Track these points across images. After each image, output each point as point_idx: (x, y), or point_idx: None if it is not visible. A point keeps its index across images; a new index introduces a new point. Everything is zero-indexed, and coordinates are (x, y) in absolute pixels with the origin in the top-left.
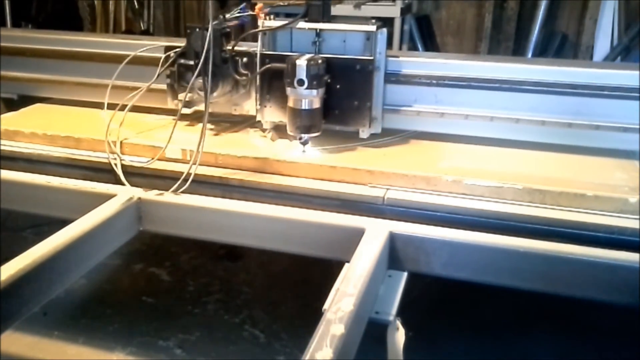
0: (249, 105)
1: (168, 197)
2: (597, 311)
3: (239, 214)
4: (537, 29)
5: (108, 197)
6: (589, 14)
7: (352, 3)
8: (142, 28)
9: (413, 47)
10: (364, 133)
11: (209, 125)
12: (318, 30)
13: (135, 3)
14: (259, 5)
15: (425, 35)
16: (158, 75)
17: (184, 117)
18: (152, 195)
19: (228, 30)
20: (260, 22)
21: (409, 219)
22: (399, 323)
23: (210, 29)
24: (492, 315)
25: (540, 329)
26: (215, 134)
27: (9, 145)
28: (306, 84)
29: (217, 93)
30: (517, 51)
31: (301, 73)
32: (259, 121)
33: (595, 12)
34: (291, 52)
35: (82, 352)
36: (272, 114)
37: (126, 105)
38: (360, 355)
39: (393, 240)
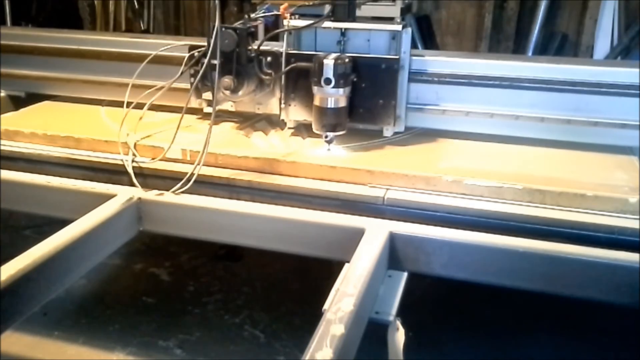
0: (272, 104)
1: (168, 197)
2: (597, 311)
3: (239, 214)
4: (537, 29)
5: (108, 197)
6: (589, 14)
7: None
8: (142, 28)
9: (413, 47)
10: (388, 131)
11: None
12: (343, 30)
13: (135, 3)
14: (283, 5)
15: (425, 35)
16: (181, 73)
17: (206, 115)
18: (152, 195)
19: (253, 29)
20: (285, 22)
21: (409, 219)
22: (399, 323)
23: (217, 27)
24: (492, 315)
25: (540, 329)
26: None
27: (9, 145)
28: (333, 83)
29: (242, 92)
30: (516, 51)
31: (328, 72)
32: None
33: (595, 12)
34: (315, 51)
35: (82, 352)
36: (296, 113)
37: (143, 104)
38: (360, 355)
39: (393, 240)
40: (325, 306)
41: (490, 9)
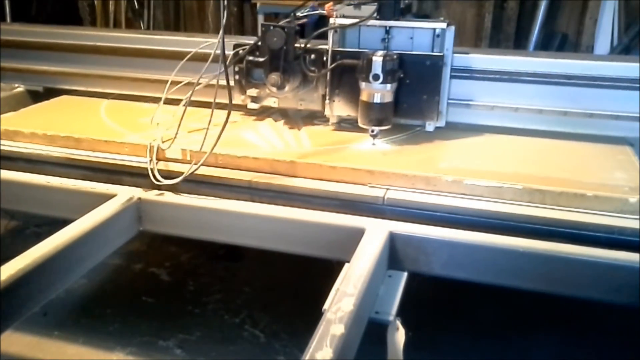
0: (315, 100)
1: (168, 197)
2: (597, 311)
3: (239, 214)
4: (537, 29)
5: (108, 197)
6: (589, 14)
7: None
8: (142, 28)
9: None
10: (430, 126)
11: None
12: (388, 28)
13: (135, 3)
14: (329, 4)
15: None
16: (225, 70)
17: (250, 112)
18: (152, 195)
19: (298, 28)
20: (331, 20)
21: (409, 219)
22: (399, 323)
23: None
24: (492, 315)
25: (540, 329)
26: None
27: (9, 145)
28: (381, 79)
29: (288, 88)
30: None
31: (377, 68)
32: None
33: (595, 12)
34: (359, 48)
35: (82, 352)
36: (340, 108)
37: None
38: (360, 355)
39: (393, 240)
40: (325, 306)
41: (490, 9)
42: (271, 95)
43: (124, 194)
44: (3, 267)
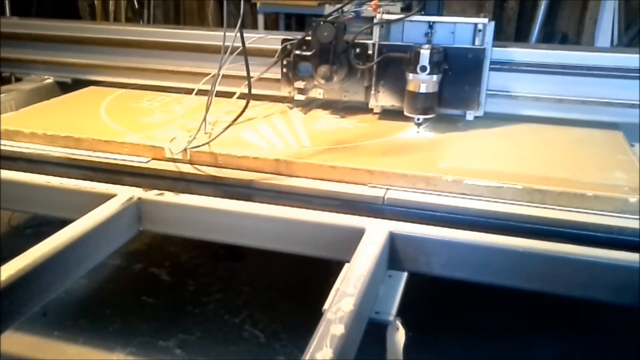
0: (358, 92)
1: (168, 197)
2: (597, 311)
3: (239, 214)
4: (537, 29)
5: (108, 197)
6: (589, 14)
7: (352, 3)
8: None
9: None
10: (470, 115)
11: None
12: (431, 23)
13: (135, 3)
14: (374, 1)
15: None
16: (274, 63)
17: (297, 103)
18: (152, 195)
19: (346, 23)
20: (378, 16)
21: (409, 219)
22: (399, 323)
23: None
24: (492, 315)
25: (540, 329)
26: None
27: (9, 145)
28: (428, 70)
29: (335, 80)
30: None
31: (424, 60)
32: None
33: (595, 12)
34: (402, 42)
35: (82, 352)
36: (384, 99)
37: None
38: (360, 355)
39: (393, 240)
40: (325, 306)
41: (490, 9)
42: (317, 87)
43: (124, 194)
44: (3, 267)
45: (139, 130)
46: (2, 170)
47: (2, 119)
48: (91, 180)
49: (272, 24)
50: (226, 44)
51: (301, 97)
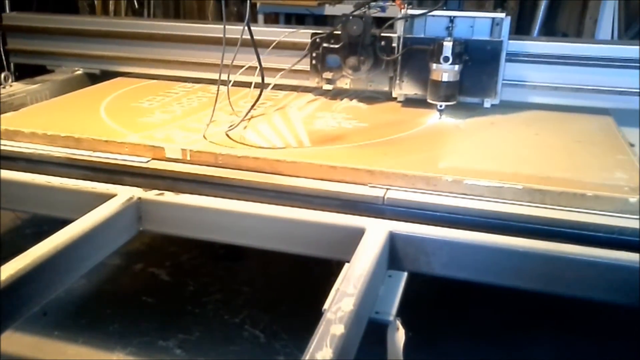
0: (382, 81)
1: (168, 197)
2: (597, 311)
3: (239, 214)
4: (537, 29)
5: (108, 197)
6: (589, 14)
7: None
8: None
9: None
10: (487, 103)
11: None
12: (452, 17)
13: (135, 3)
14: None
15: None
16: (304, 56)
17: (325, 92)
18: (152, 195)
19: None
20: (402, 11)
21: (409, 219)
22: (399, 323)
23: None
24: (492, 315)
25: (540, 329)
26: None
27: (9, 145)
28: (450, 60)
29: (363, 70)
30: None
31: (447, 51)
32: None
33: (595, 12)
34: (424, 36)
35: (82, 352)
36: (407, 88)
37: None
38: (360, 355)
39: (393, 240)
40: (325, 306)
41: (490, 9)
42: (345, 77)
43: (124, 194)
44: (3, 267)
45: (139, 130)
46: (2, 170)
47: (2, 119)
48: (91, 180)
49: (271, 24)
50: (244, 37)
51: (329, 87)
